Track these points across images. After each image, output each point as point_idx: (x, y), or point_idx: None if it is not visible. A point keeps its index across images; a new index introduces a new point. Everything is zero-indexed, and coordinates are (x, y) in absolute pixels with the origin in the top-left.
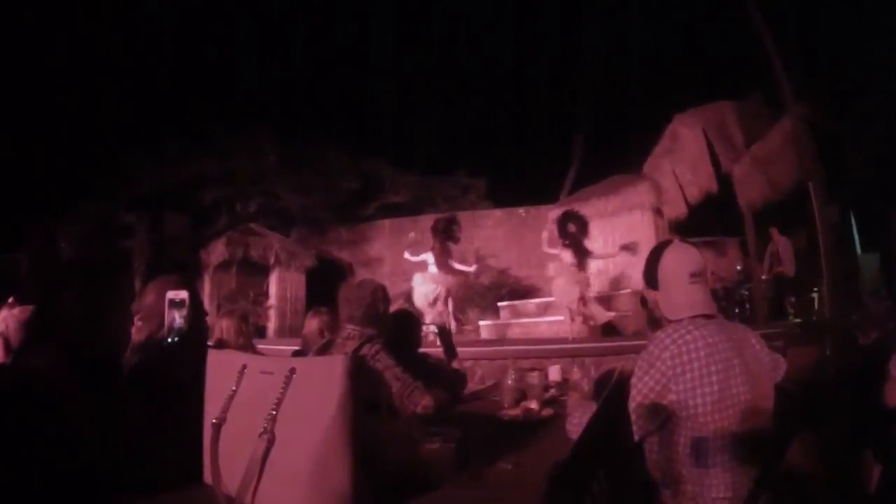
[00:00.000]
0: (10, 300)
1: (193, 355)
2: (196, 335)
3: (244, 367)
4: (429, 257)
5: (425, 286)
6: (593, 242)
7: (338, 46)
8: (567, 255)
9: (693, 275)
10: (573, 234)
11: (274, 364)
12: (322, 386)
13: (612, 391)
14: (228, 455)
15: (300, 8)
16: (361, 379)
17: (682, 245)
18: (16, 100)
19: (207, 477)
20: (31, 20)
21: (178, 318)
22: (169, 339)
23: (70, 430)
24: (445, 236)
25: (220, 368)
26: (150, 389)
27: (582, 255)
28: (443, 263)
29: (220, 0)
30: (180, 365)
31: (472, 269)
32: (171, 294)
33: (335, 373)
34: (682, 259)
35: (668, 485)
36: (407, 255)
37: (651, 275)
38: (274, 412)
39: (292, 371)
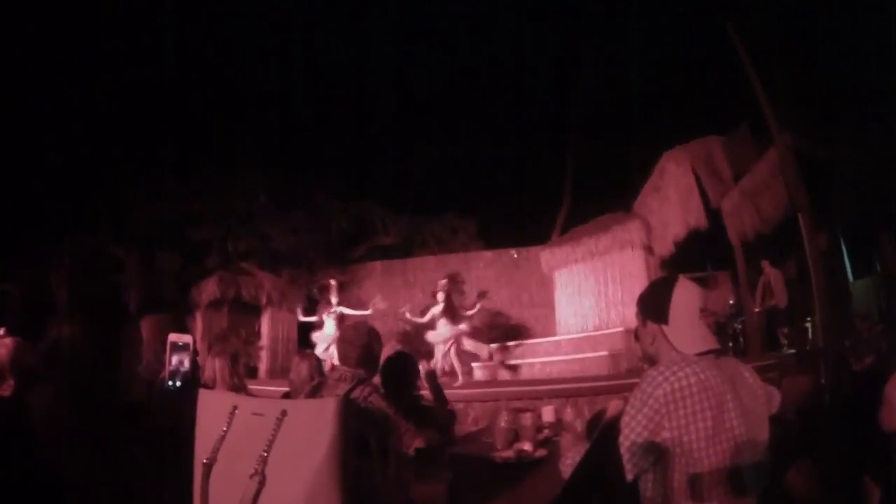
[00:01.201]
0: (1, 331)
1: (194, 399)
2: (196, 379)
3: (235, 408)
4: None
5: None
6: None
7: (328, 88)
8: (438, 310)
9: (702, 310)
10: (450, 294)
11: (265, 406)
12: (313, 428)
13: (602, 431)
14: (218, 495)
15: (291, 51)
16: (352, 421)
17: (689, 281)
18: (9, 132)
19: None
20: (26, 55)
21: (180, 362)
22: (170, 383)
23: (67, 466)
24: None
25: (211, 409)
26: (149, 431)
27: (453, 311)
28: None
29: (213, 41)
30: (182, 409)
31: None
32: (173, 337)
33: (327, 415)
34: (693, 294)
35: None
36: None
37: (661, 309)
38: (265, 454)
39: (283, 413)
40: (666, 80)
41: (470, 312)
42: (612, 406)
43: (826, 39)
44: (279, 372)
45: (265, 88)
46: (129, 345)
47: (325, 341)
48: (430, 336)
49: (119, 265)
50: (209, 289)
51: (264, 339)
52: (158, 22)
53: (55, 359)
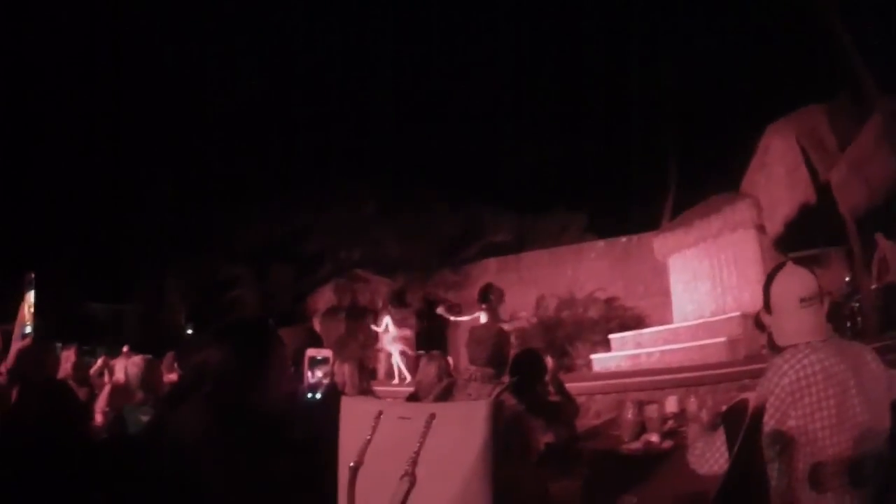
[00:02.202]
0: (126, 349)
1: (334, 410)
2: (338, 391)
3: (380, 413)
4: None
5: None
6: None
7: (427, 92)
8: (483, 316)
9: (803, 300)
10: (492, 300)
11: (411, 410)
12: (465, 430)
13: (749, 427)
14: (366, 496)
15: (386, 63)
16: (500, 423)
17: (793, 268)
18: (121, 160)
19: None
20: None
21: (319, 375)
22: (310, 395)
23: (214, 481)
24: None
25: (355, 415)
26: (290, 442)
27: (494, 318)
28: None
29: (309, 62)
30: (322, 421)
31: None
32: (312, 352)
33: (478, 417)
34: (791, 283)
35: None
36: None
37: (765, 299)
38: (415, 455)
39: (432, 416)
40: (758, 52)
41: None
42: (753, 397)
43: None
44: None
45: (364, 99)
46: (276, 361)
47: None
48: None
49: (234, 282)
50: (326, 296)
51: (382, 343)
52: (251, 37)
53: (203, 377)
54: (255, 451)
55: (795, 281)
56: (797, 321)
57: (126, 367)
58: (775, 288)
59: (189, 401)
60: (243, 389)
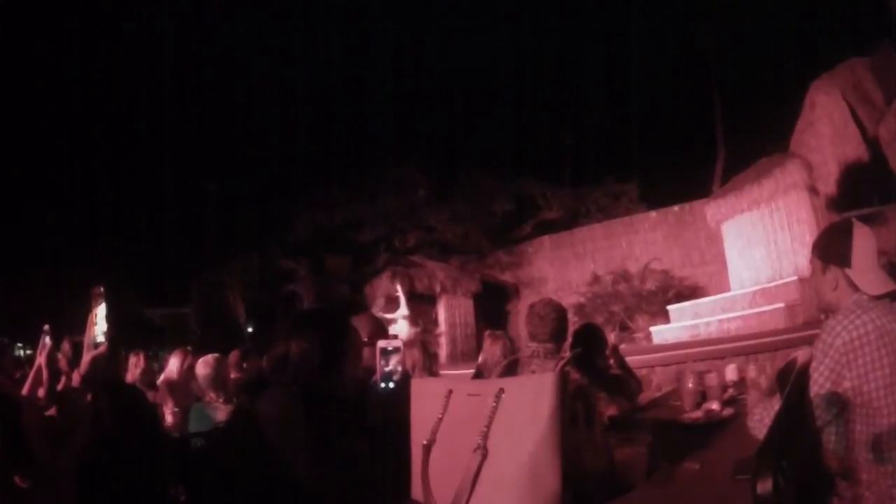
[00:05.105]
0: (187, 349)
1: (405, 399)
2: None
3: (450, 392)
4: None
5: None
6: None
7: (470, 75)
8: None
9: (879, 252)
10: None
11: (479, 387)
12: (534, 402)
13: (795, 382)
14: (438, 472)
15: (431, 47)
16: (567, 393)
17: (863, 223)
18: (170, 164)
19: (417, 494)
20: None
21: (390, 365)
22: (382, 385)
23: (294, 465)
24: None
25: (426, 395)
26: (366, 428)
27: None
28: None
29: (356, 52)
30: (396, 407)
31: None
32: (383, 343)
33: (546, 389)
34: (871, 236)
35: (844, 475)
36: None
37: (843, 252)
38: (486, 429)
39: (501, 391)
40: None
41: None
42: (802, 354)
43: None
44: (459, 357)
45: (408, 84)
46: (352, 350)
47: None
48: None
49: (290, 275)
50: (383, 284)
51: (442, 326)
52: (297, 31)
53: (284, 367)
54: (334, 436)
55: (871, 234)
56: (879, 271)
57: (191, 365)
58: (857, 240)
59: (270, 389)
60: (323, 377)
